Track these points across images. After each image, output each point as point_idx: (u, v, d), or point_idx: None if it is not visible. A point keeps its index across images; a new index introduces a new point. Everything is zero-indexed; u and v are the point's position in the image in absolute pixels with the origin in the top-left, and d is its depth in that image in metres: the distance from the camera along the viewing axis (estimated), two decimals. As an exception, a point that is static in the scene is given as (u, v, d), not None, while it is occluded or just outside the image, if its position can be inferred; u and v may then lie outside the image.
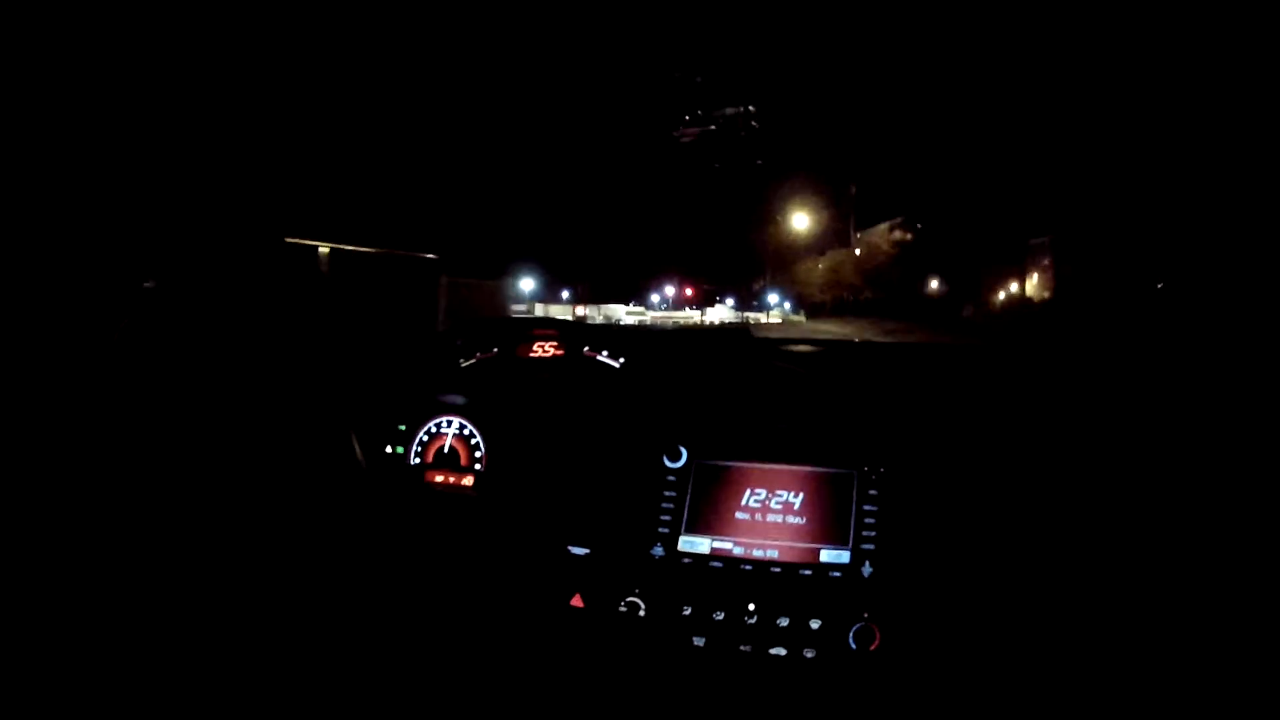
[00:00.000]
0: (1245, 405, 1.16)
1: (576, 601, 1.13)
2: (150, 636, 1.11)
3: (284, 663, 1.15)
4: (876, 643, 1.03)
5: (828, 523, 1.11)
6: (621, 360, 1.34)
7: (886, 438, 1.15)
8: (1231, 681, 1.00)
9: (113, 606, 1.10)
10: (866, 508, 1.10)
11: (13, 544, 1.06)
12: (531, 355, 1.38)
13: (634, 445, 1.21)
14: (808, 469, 1.13)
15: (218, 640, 1.13)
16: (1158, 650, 1.04)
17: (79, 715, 1.05)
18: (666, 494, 1.16)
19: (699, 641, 1.06)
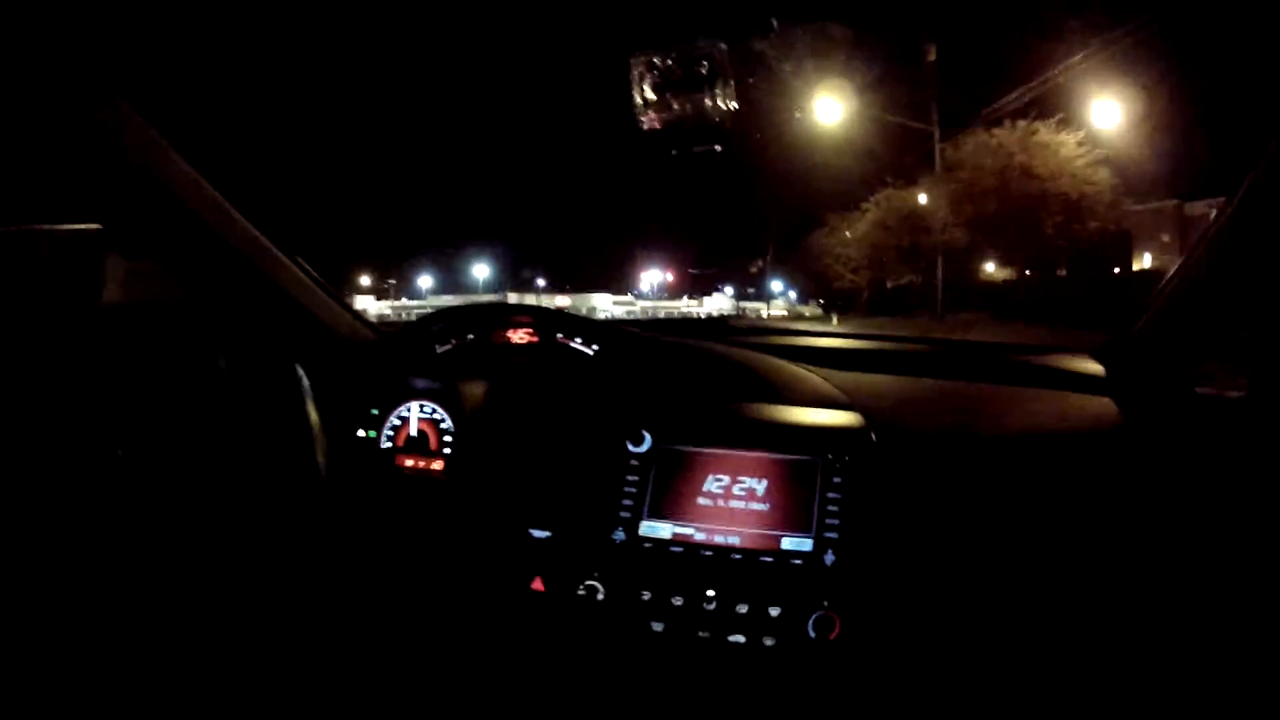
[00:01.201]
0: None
1: (537, 585, 1.13)
2: (113, 624, 1.11)
3: (248, 647, 1.15)
4: (836, 632, 1.01)
5: (790, 510, 1.09)
6: (595, 348, 1.33)
7: (850, 426, 1.13)
8: (1190, 669, 0.99)
9: (71, 598, 1.10)
10: (830, 495, 1.09)
11: None
12: (506, 341, 1.39)
13: (598, 430, 1.20)
14: (771, 455, 1.12)
15: (181, 625, 1.14)
16: (1117, 637, 1.03)
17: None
18: (629, 478, 1.15)
19: (657, 627, 1.06)
